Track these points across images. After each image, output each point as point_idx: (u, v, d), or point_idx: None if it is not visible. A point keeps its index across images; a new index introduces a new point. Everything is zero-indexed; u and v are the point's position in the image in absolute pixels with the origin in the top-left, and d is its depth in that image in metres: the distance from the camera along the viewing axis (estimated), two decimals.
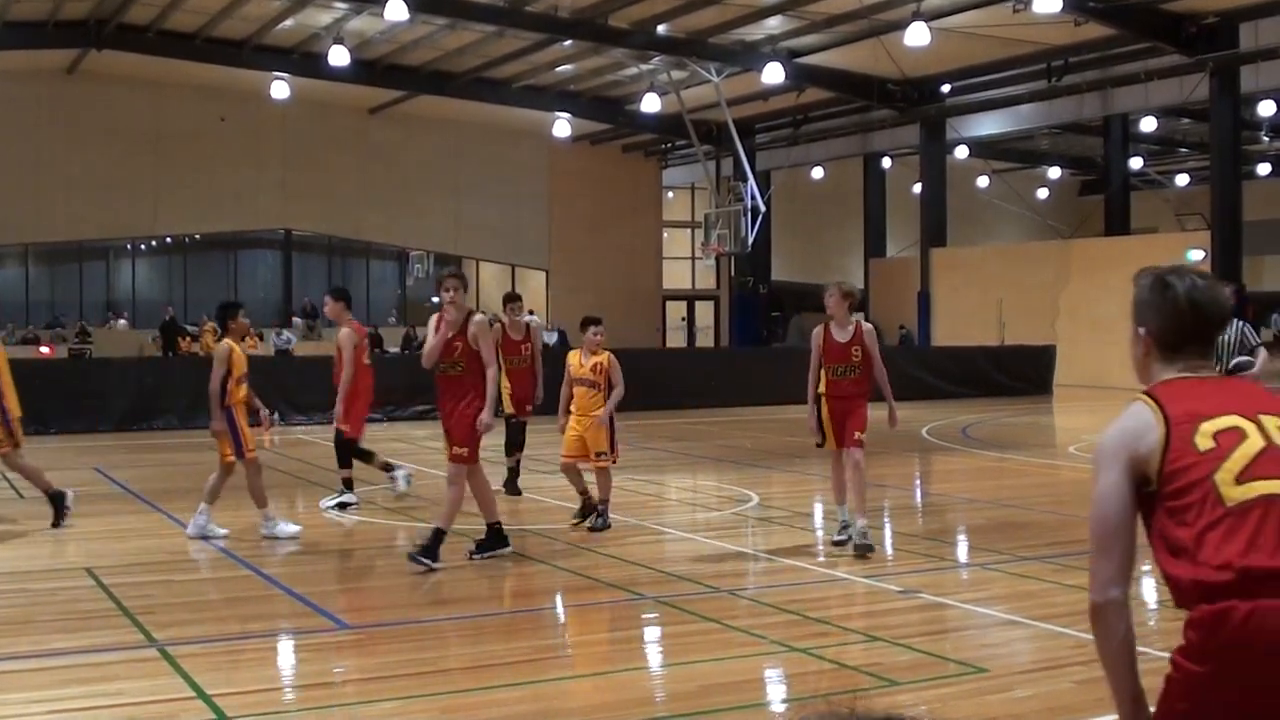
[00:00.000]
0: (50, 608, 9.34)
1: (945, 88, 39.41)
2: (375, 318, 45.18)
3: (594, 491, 12.50)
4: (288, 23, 34.31)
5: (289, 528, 12.18)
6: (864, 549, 10.73)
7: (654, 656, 8.36)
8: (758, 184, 38.53)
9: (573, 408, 12.57)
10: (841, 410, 11.12)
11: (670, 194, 53.45)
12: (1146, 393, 3.52)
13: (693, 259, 50.71)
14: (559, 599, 9.97)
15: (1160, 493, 3.27)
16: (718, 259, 42.79)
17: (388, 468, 14.35)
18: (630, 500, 14.78)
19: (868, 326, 11.47)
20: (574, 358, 12.87)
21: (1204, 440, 3.27)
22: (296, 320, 43.88)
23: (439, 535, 10.37)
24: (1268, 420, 3.33)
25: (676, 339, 52.11)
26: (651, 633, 8.84)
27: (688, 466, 19.10)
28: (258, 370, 26.66)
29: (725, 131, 38.87)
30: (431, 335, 10.52)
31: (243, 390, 12.16)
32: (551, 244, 48.12)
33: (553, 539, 12.00)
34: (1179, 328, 3.72)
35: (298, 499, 15.83)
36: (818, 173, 47.32)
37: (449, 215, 46.12)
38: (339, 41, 33.29)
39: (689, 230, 51.65)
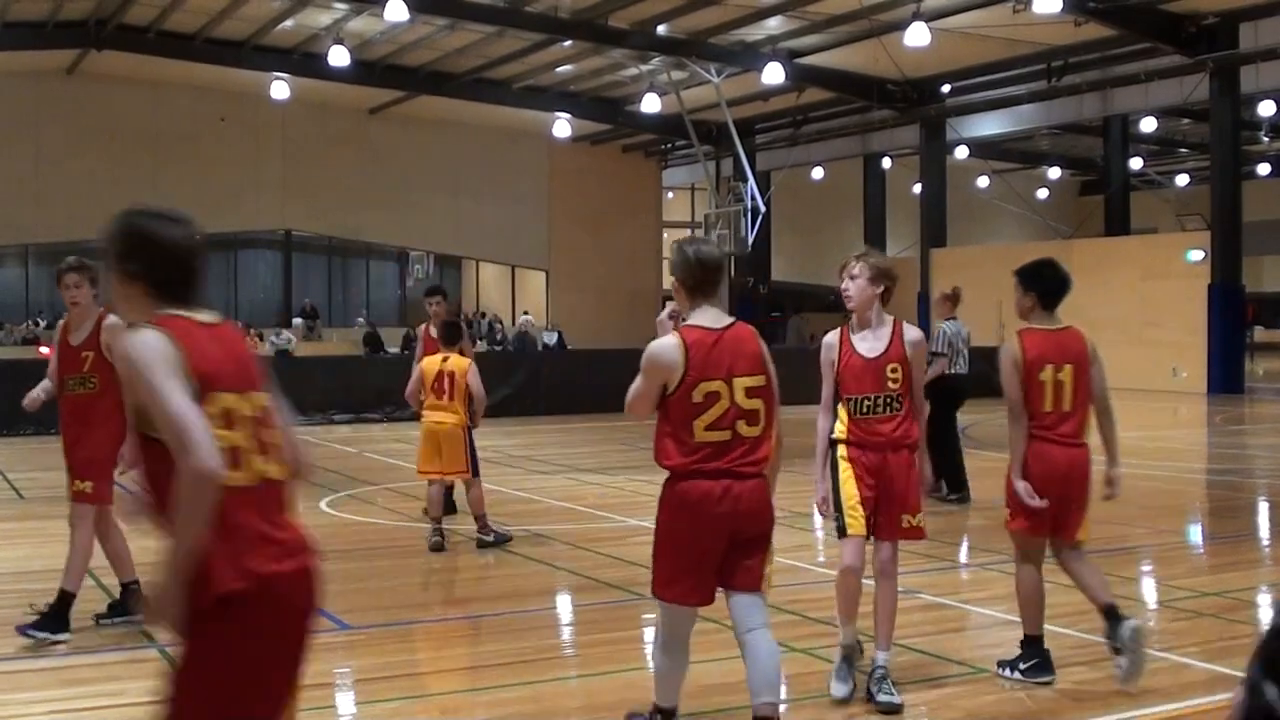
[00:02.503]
0: None
1: (945, 88, 39.41)
2: (375, 318, 45.21)
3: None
4: (287, 23, 34.31)
5: None
6: (890, 709, 6.68)
7: (651, 658, 8.35)
8: (758, 184, 38.52)
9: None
10: (876, 471, 6.86)
11: (670, 194, 53.49)
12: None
13: None
14: (558, 599, 9.97)
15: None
16: None
17: None
18: (631, 500, 14.79)
19: (914, 334, 7.05)
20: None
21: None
22: (296, 321, 43.88)
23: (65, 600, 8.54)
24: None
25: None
26: (651, 633, 8.83)
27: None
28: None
29: (725, 132, 38.88)
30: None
31: None
32: (551, 244, 48.14)
33: (551, 540, 11.99)
34: (692, 277, 5.98)
35: (298, 500, 15.82)
36: (818, 173, 47.33)
37: (449, 215, 46.12)
38: (339, 42, 33.30)
39: (689, 230, 51.65)
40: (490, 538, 11.68)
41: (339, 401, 24.41)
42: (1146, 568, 11.05)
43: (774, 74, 33.52)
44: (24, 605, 9.39)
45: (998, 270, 39.77)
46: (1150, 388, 32.83)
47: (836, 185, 48.94)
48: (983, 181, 49.31)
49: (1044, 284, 7.48)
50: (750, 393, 5.78)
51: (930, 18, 29.46)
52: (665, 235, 52.48)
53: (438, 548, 11.51)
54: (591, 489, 15.69)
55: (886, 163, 47.12)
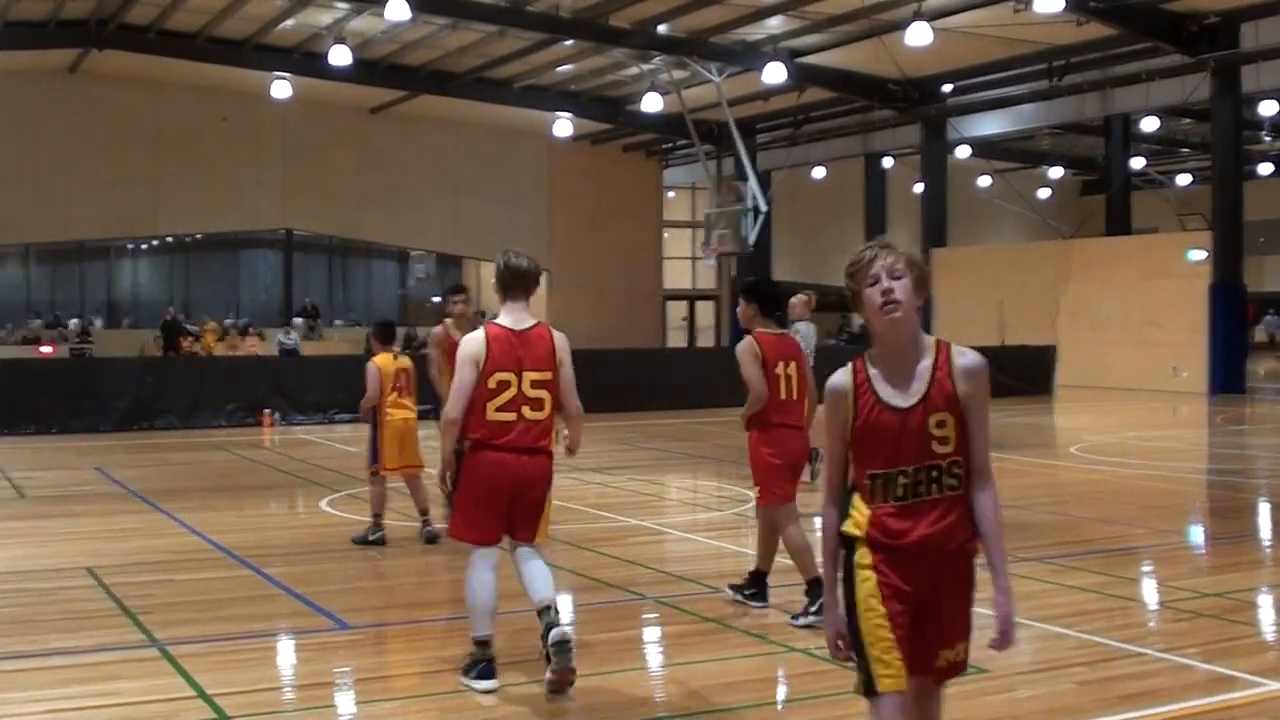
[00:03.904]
0: (51, 607, 9.35)
1: (946, 87, 39.39)
2: (375, 318, 45.20)
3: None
4: (289, 23, 34.31)
5: None
6: None
7: (654, 657, 8.35)
8: (759, 184, 38.50)
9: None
10: (915, 587, 4.46)
11: (671, 194, 53.46)
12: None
13: (693, 259, 50.71)
14: (558, 599, 9.95)
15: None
16: (719, 259, 42.76)
17: None
18: (631, 500, 14.79)
19: (969, 360, 4.57)
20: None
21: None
22: (297, 320, 43.89)
23: None
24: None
25: (678, 339, 52.07)
26: (651, 633, 8.84)
27: (688, 466, 19.10)
28: (262, 370, 26.88)
29: (726, 131, 38.86)
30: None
31: None
32: (552, 244, 48.09)
33: (551, 539, 11.96)
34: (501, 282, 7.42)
35: (299, 499, 15.85)
36: (819, 172, 47.32)
37: (449, 215, 46.13)
38: (340, 41, 33.29)
39: (690, 230, 51.65)
40: (374, 535, 11.91)
41: (340, 401, 24.39)
42: (1147, 568, 11.03)
43: (775, 73, 33.51)
44: (24, 604, 9.39)
45: (998, 270, 40.03)
46: (1151, 388, 32.85)
47: (838, 185, 48.93)
48: (984, 181, 49.29)
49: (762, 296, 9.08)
50: (535, 384, 7.20)
51: (931, 17, 29.44)
52: (666, 235, 52.48)
53: (433, 538, 11.80)
54: (591, 488, 15.69)
55: (888, 162, 47.12)
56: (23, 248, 43.23)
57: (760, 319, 9.07)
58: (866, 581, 4.43)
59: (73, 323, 42.03)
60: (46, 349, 38.13)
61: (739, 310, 9.26)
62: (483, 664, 7.20)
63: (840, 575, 4.52)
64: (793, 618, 8.62)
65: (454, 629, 8.13)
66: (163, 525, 13.21)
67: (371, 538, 11.82)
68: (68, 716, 6.79)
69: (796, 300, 16.63)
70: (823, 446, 4.66)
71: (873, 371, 4.48)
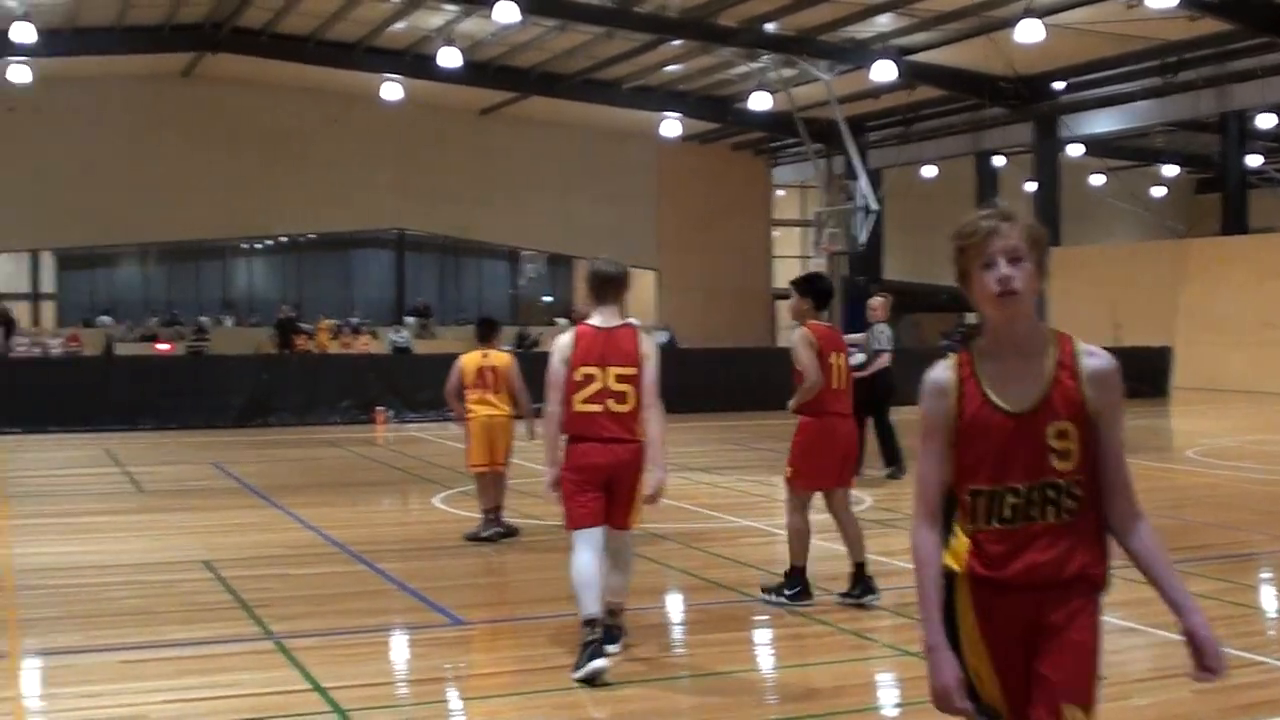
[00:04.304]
0: (169, 599, 9.52)
1: (1058, 85, 38.87)
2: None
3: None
4: (399, 25, 34.62)
5: None
6: None
7: (764, 659, 8.34)
8: (869, 182, 38.27)
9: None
10: (1023, 621, 3.70)
11: (780, 192, 53.26)
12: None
13: (803, 257, 50.48)
14: (669, 599, 9.97)
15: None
16: (829, 258, 42.55)
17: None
18: (741, 501, 14.78)
19: (1098, 361, 3.72)
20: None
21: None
22: (409, 319, 44.30)
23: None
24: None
25: (788, 338, 51.81)
26: (761, 635, 8.82)
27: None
28: (374, 368, 27.17)
29: (836, 129, 38.64)
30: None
31: None
32: (660, 244, 48.10)
33: (662, 539, 11.98)
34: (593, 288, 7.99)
35: (412, 496, 15.99)
36: (929, 171, 46.91)
37: (559, 215, 46.27)
38: (450, 43, 33.53)
39: (798, 229, 51.43)
40: (503, 529, 12.07)
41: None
42: (1267, 575, 10.83)
43: (884, 71, 33.29)
44: (144, 596, 9.57)
45: (1112, 269, 39.46)
46: (1268, 390, 32.18)
47: (948, 183, 48.42)
48: (1097, 180, 48.61)
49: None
50: (620, 379, 7.65)
51: (1042, 14, 29.09)
52: (775, 234, 52.29)
53: (510, 532, 12.03)
54: (701, 488, 15.68)
55: (999, 161, 46.60)
56: (140, 248, 44.03)
57: (813, 313, 9.62)
58: (970, 623, 3.73)
59: (203, 319, 42.67)
60: (164, 346, 38.79)
61: (791, 304, 9.80)
62: (592, 645, 7.31)
63: (941, 613, 3.74)
64: (763, 589, 9.51)
65: (566, 626, 8.16)
66: (278, 520, 13.40)
67: (484, 534, 11.92)
68: (186, 707, 6.91)
69: (876, 302, 17.21)
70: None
71: (981, 367, 3.72)
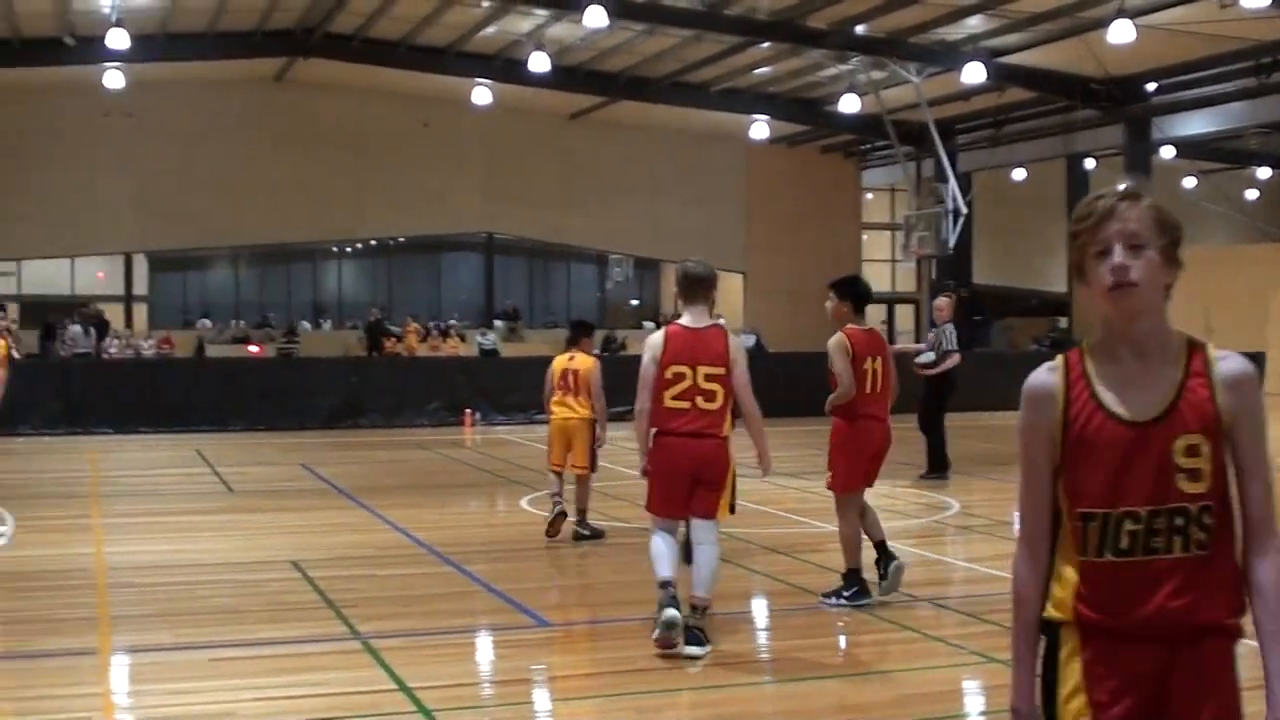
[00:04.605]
0: (257, 598, 9.61)
1: (1150, 86, 38.35)
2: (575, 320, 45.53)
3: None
4: (489, 30, 34.76)
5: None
6: None
7: (852, 665, 8.27)
8: (959, 185, 37.97)
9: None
10: (1143, 680, 3.06)
11: (869, 195, 52.95)
12: None
13: (892, 261, 50.18)
14: (754, 603, 9.93)
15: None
16: (918, 261, 42.30)
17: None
18: (827, 506, 14.64)
19: (1233, 366, 3.25)
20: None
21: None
22: (497, 322, 44.52)
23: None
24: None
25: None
26: (849, 640, 8.74)
27: (886, 472, 18.83)
28: (462, 370, 27.30)
29: (925, 132, 38.33)
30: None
31: None
32: (749, 247, 47.96)
33: (747, 543, 11.93)
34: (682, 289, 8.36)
35: (499, 498, 16.04)
36: (1019, 174, 46.42)
37: (647, 219, 46.26)
38: (539, 48, 33.62)
39: (888, 232, 51.11)
40: (587, 532, 12.09)
41: (540, 402, 24.68)
42: None
43: (974, 73, 32.99)
44: (233, 595, 9.65)
45: (1204, 273, 38.86)
46: None
47: (1038, 186, 47.95)
48: (1189, 182, 47.93)
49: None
50: (709, 378, 7.91)
51: (1135, 14, 28.69)
52: (865, 237, 52.00)
53: (596, 535, 12.11)
54: (790, 493, 15.60)
55: (1090, 163, 46.03)
56: (232, 250, 44.58)
57: (853, 316, 9.74)
58: (1074, 675, 3.11)
59: (303, 324, 43.09)
60: (255, 348, 39.23)
61: (831, 306, 9.87)
62: (666, 602, 7.75)
63: (1040, 663, 3.19)
64: (822, 596, 9.41)
65: (651, 629, 8.15)
66: (366, 521, 13.48)
67: (584, 533, 11.99)
68: (274, 705, 6.96)
69: (942, 302, 17.80)
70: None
71: (1093, 369, 3.14)
